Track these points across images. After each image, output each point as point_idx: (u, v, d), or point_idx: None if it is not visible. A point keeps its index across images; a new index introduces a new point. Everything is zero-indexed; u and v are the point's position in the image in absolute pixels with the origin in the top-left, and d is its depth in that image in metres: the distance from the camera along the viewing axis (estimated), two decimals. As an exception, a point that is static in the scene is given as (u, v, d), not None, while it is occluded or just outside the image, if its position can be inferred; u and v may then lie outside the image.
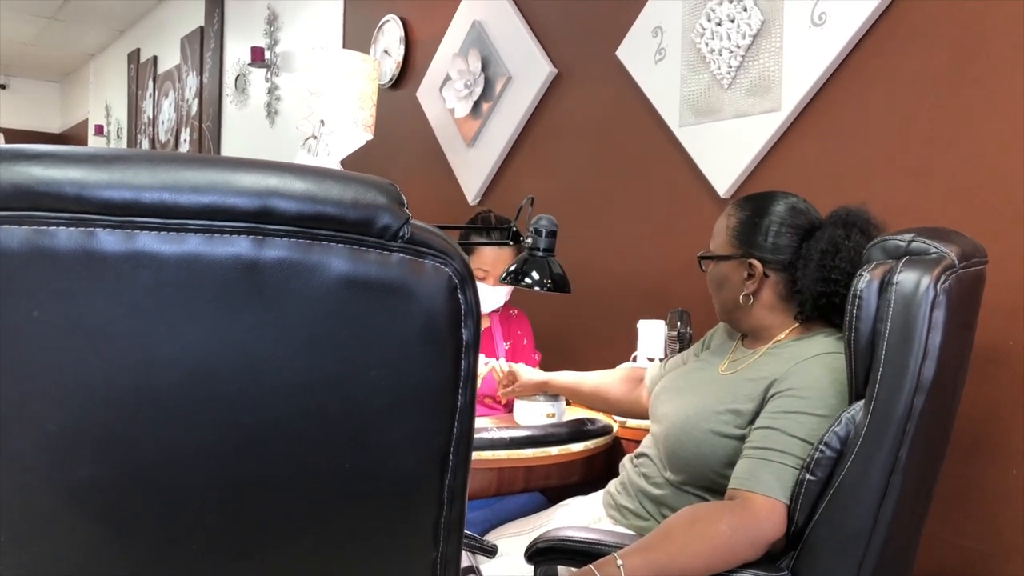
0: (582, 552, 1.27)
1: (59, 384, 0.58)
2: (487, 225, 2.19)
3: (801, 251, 1.44)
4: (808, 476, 1.23)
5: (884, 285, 1.19)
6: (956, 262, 1.19)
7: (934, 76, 1.80)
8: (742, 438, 1.35)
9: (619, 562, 1.19)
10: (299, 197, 0.61)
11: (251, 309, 0.61)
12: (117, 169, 0.59)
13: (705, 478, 1.39)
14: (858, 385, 1.24)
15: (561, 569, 1.37)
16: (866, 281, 1.20)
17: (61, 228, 0.58)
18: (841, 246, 1.40)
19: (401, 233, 0.64)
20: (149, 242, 0.59)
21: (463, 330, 0.68)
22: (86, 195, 0.58)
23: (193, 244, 0.59)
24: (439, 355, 0.67)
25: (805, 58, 2.02)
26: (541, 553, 1.30)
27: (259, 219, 0.60)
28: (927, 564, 1.64)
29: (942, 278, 1.16)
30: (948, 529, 1.68)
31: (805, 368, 1.34)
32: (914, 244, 1.21)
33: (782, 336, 1.46)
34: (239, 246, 0.60)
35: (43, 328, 0.58)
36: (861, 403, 1.22)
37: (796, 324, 1.46)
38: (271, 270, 0.61)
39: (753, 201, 1.49)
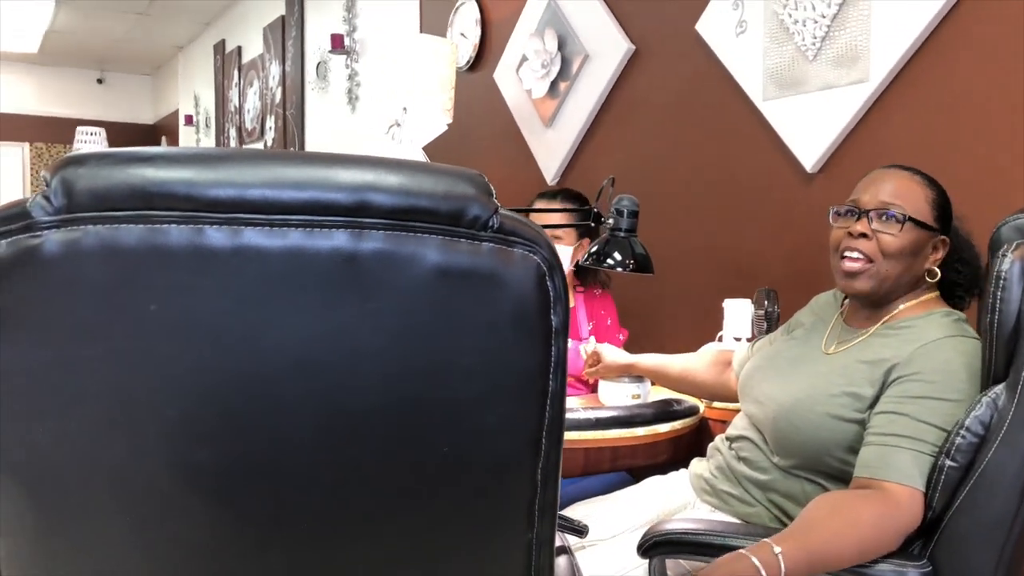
0: (699, 544, 1.25)
1: (176, 373, 0.62)
2: (555, 203, 2.21)
3: (953, 236, 1.44)
4: (948, 462, 1.21)
5: None
6: None
7: (1035, 40, 1.71)
8: (861, 423, 1.32)
9: (776, 549, 1.16)
10: (394, 191, 0.63)
11: (350, 300, 0.63)
12: (223, 168, 0.62)
13: (820, 462, 1.37)
14: (997, 368, 1.21)
15: (669, 562, 1.36)
16: (1009, 262, 1.18)
17: (173, 226, 0.61)
18: (964, 234, 1.43)
19: (491, 223, 0.66)
20: (254, 237, 0.62)
21: (552, 316, 0.69)
22: (195, 194, 0.61)
23: (295, 238, 0.62)
24: (529, 341, 0.68)
25: (895, 26, 1.95)
26: (656, 546, 1.28)
27: (356, 213, 0.63)
28: None
29: None
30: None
31: (932, 351, 1.30)
32: None
33: (894, 313, 1.43)
34: (338, 239, 0.63)
35: (160, 320, 0.61)
36: (1001, 386, 1.19)
37: (916, 302, 1.43)
38: (369, 261, 0.63)
39: (928, 176, 1.44)
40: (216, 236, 0.61)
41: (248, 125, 6.60)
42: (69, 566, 0.66)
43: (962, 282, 1.46)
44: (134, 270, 0.61)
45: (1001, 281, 1.18)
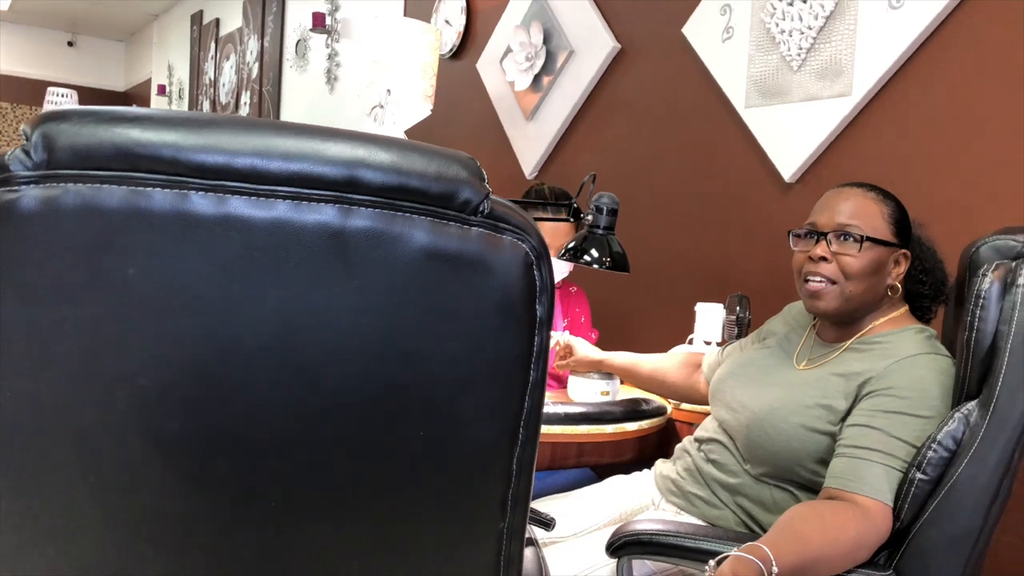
0: (669, 545, 1.25)
1: (152, 341, 0.60)
2: (541, 197, 2.19)
3: (914, 247, 1.45)
4: (919, 475, 1.22)
5: (1006, 286, 1.19)
6: None
7: (1012, 67, 1.74)
8: (833, 435, 1.33)
9: (767, 551, 1.14)
10: (385, 168, 0.62)
11: (335, 276, 0.62)
12: (211, 134, 0.60)
13: (791, 471, 1.38)
14: (971, 385, 1.23)
15: (634, 562, 1.36)
16: (989, 282, 1.20)
17: (157, 189, 0.59)
18: (926, 241, 1.43)
19: (481, 208, 0.65)
20: (240, 206, 0.60)
21: (537, 306, 0.68)
22: (181, 158, 0.59)
23: (282, 210, 0.61)
24: (514, 330, 0.68)
25: (880, 42, 1.97)
26: (626, 546, 1.28)
27: (346, 188, 0.61)
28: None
29: None
30: (1011, 532, 1.64)
31: (906, 367, 1.32)
32: None
33: (867, 329, 1.44)
34: (326, 214, 0.61)
35: (138, 286, 0.59)
36: (974, 403, 1.22)
37: (887, 318, 1.44)
38: (356, 239, 0.62)
39: (883, 191, 1.45)
40: (201, 203, 0.60)
41: (223, 99, 6.50)
42: (29, 527, 0.64)
43: (927, 292, 1.48)
44: (114, 232, 0.59)
45: (980, 300, 1.20)
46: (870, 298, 1.42)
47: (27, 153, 0.58)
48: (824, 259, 1.40)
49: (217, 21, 6.73)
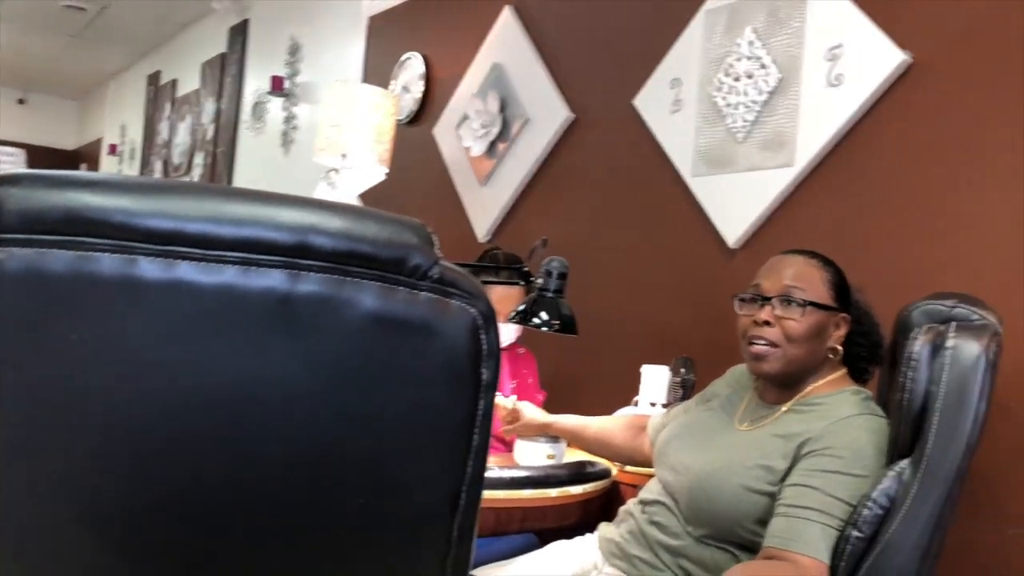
0: None
1: (90, 408, 0.60)
2: (495, 262, 2.21)
3: (853, 311, 1.50)
4: (855, 533, 1.25)
5: (936, 349, 1.23)
6: (999, 330, 1.24)
7: (946, 143, 1.83)
8: (773, 495, 1.35)
9: None
10: (336, 234, 0.63)
11: (282, 341, 0.62)
12: (163, 199, 0.61)
13: (732, 532, 1.39)
14: (903, 444, 1.27)
15: None
16: (920, 344, 1.25)
17: (105, 254, 0.59)
18: (863, 305, 1.49)
19: (431, 273, 0.66)
20: (189, 271, 0.60)
21: (483, 370, 0.69)
22: (132, 223, 0.60)
23: (230, 275, 0.61)
24: (459, 394, 0.68)
25: (821, 116, 2.06)
26: None
27: (296, 254, 0.62)
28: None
29: (991, 346, 1.22)
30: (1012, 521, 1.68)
31: (842, 428, 1.35)
32: (957, 310, 1.28)
33: (806, 391, 1.48)
34: (274, 279, 0.62)
35: (82, 352, 0.59)
36: (907, 461, 1.25)
37: (826, 380, 1.48)
38: (303, 303, 0.62)
39: (824, 257, 1.51)
40: (149, 268, 0.60)
41: (176, 160, 6.48)
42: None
43: (864, 355, 1.52)
44: (58, 297, 0.59)
45: (912, 362, 1.25)
46: (811, 361, 1.46)
47: (-26, 216, 0.58)
48: (768, 323, 1.44)
49: (174, 82, 6.75)
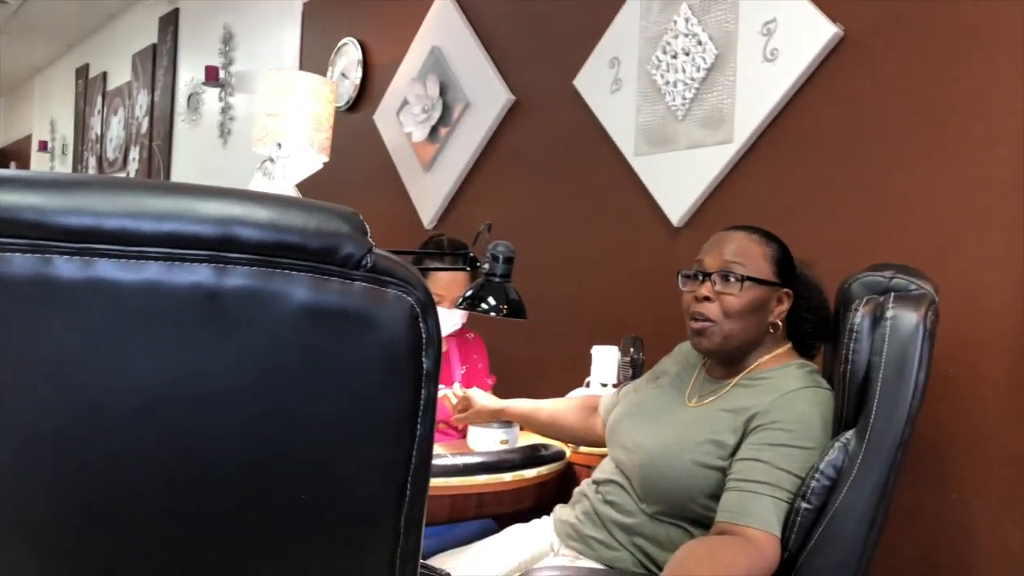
0: None
1: (10, 414, 0.57)
2: (440, 249, 2.19)
3: (798, 285, 1.51)
4: (804, 504, 1.27)
5: (876, 320, 1.24)
6: (935, 299, 1.26)
7: (880, 116, 1.86)
8: (723, 470, 1.36)
9: None
10: (262, 225, 0.61)
11: (210, 338, 0.60)
12: (79, 195, 0.58)
13: (685, 508, 1.40)
14: (848, 415, 1.29)
15: None
16: (860, 316, 1.26)
17: (16, 255, 0.56)
18: (812, 280, 1.49)
19: (364, 262, 0.64)
20: (108, 269, 0.58)
21: (424, 359, 0.67)
22: (45, 221, 0.57)
23: (153, 272, 0.59)
24: (399, 384, 0.67)
25: (758, 92, 2.07)
26: None
27: (221, 247, 0.60)
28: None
29: (928, 314, 1.23)
30: (890, 553, 1.71)
31: (789, 402, 1.37)
32: (895, 281, 1.30)
33: (753, 366, 1.49)
34: (200, 274, 0.60)
35: (-4, 356, 0.56)
36: (852, 432, 1.27)
37: (772, 355, 1.49)
38: (231, 298, 0.60)
39: (767, 233, 1.52)
40: (65, 267, 0.57)
41: (110, 154, 6.30)
42: None
43: (810, 330, 1.54)
44: (-32, 301, 0.56)
45: (853, 334, 1.27)
46: (752, 336, 1.48)
47: None
48: (708, 299, 1.46)
49: (104, 75, 6.55)
